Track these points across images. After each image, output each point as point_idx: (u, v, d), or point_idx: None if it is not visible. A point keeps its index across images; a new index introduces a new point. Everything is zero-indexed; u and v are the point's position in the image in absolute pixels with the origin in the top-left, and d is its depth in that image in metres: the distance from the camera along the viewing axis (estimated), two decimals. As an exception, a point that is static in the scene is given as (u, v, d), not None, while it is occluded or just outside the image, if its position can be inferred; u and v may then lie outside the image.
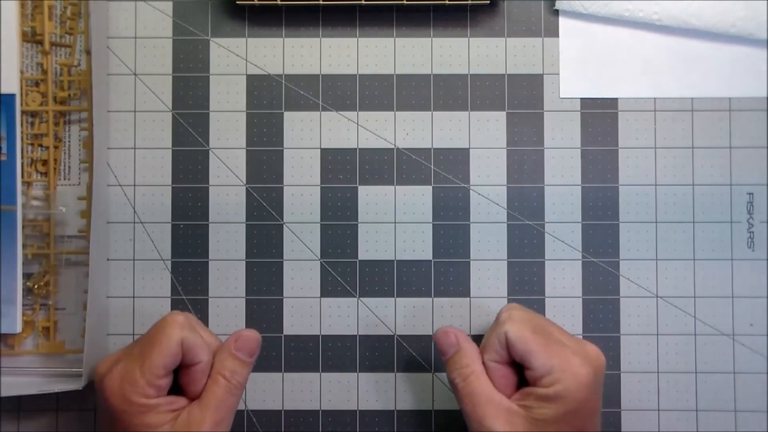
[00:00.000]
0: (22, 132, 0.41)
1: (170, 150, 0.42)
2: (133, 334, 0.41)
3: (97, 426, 0.41)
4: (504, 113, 0.42)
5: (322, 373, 0.41)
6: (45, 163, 0.41)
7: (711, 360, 0.41)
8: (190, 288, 0.41)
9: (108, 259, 0.42)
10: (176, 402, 0.35)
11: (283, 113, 0.42)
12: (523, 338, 0.35)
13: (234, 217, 0.42)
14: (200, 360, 0.35)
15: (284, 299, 0.41)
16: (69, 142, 0.42)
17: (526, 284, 0.41)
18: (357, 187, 0.42)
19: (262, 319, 0.41)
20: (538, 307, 0.41)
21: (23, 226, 0.40)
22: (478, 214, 0.41)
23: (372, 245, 0.42)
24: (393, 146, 0.42)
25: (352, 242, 0.42)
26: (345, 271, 0.42)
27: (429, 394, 0.41)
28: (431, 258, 0.42)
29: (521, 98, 0.42)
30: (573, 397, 0.33)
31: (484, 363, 0.36)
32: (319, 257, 0.42)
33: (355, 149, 0.42)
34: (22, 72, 0.41)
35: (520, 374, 0.35)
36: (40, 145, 0.41)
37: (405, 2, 0.41)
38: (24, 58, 0.41)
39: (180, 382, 0.35)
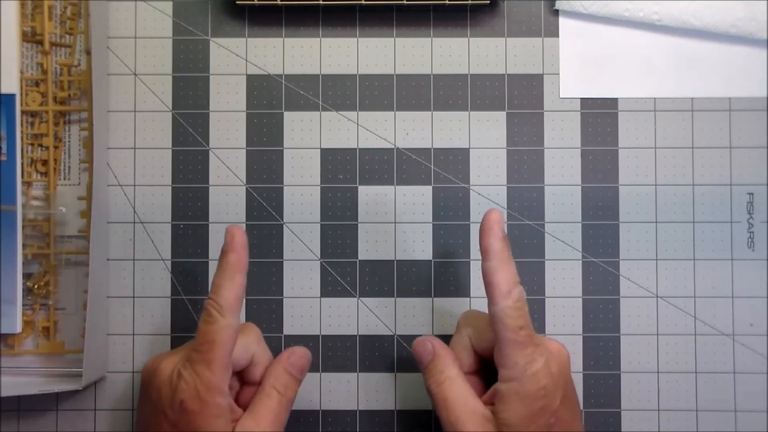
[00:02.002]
0: (22, 132, 0.41)
1: (170, 150, 0.42)
2: (133, 334, 0.41)
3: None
4: (504, 113, 0.42)
5: (322, 373, 0.41)
6: (45, 163, 0.41)
7: (711, 360, 0.41)
8: (190, 288, 0.41)
9: (108, 259, 0.42)
10: (236, 411, 0.35)
11: (283, 113, 0.42)
12: (486, 338, 0.35)
13: (234, 217, 0.42)
14: (256, 377, 0.36)
15: (284, 299, 0.41)
16: (69, 142, 0.42)
17: (526, 284, 0.41)
18: (357, 187, 0.42)
19: (262, 319, 0.41)
20: (539, 307, 0.41)
21: (23, 226, 0.40)
22: (478, 214, 0.42)
23: (372, 245, 0.42)
24: (393, 146, 0.42)
25: (352, 242, 0.42)
26: (345, 271, 0.42)
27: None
28: (431, 258, 0.42)
29: (521, 98, 0.42)
30: (526, 402, 0.33)
31: (460, 359, 0.36)
32: (319, 257, 0.42)
33: (355, 149, 0.42)
34: (22, 72, 0.41)
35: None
36: (40, 145, 0.41)
37: (405, 2, 0.41)
38: (24, 58, 0.41)
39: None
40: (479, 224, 0.42)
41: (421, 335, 0.41)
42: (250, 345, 0.37)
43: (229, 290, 0.35)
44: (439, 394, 0.35)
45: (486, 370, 0.37)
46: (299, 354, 0.37)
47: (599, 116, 0.42)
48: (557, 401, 0.34)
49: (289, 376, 0.36)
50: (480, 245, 0.35)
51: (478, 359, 0.37)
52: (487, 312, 0.35)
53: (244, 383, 0.37)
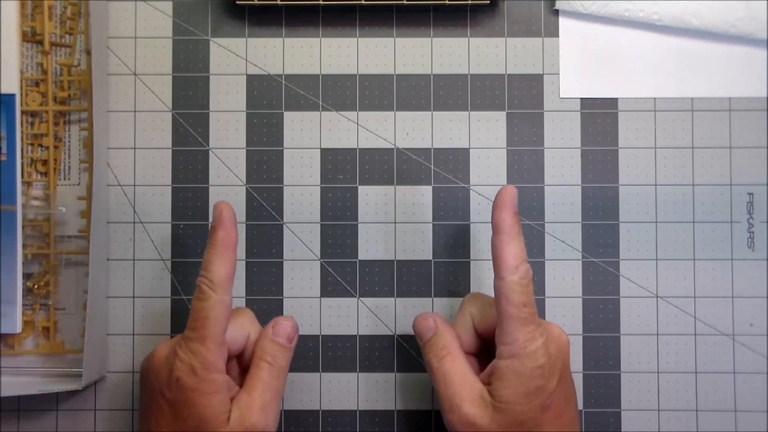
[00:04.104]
0: (22, 132, 0.41)
1: (170, 150, 0.42)
2: (133, 334, 0.41)
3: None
4: (504, 113, 0.42)
5: (322, 373, 0.41)
6: (45, 163, 0.41)
7: (711, 360, 0.41)
8: (190, 288, 0.41)
9: (108, 259, 0.42)
10: (234, 389, 0.36)
11: (283, 113, 0.42)
12: (489, 316, 0.35)
13: (234, 217, 0.42)
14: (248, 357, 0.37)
15: (284, 299, 0.41)
16: (69, 142, 0.42)
17: (526, 284, 0.41)
18: (357, 187, 0.42)
19: (262, 319, 0.41)
20: (539, 307, 0.41)
21: (23, 226, 0.40)
22: (478, 214, 0.42)
23: (372, 245, 0.42)
24: (393, 146, 0.42)
25: (352, 242, 0.42)
26: (345, 271, 0.42)
27: (429, 394, 0.41)
28: (431, 258, 0.42)
29: (521, 98, 0.42)
30: (522, 380, 0.33)
31: (460, 336, 0.36)
32: (319, 257, 0.42)
33: (355, 149, 0.42)
34: (22, 72, 0.41)
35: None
36: (40, 145, 0.41)
37: (405, 2, 0.41)
38: (24, 58, 0.41)
39: None
40: (479, 223, 0.42)
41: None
42: (245, 325, 0.37)
43: (220, 266, 0.35)
44: (439, 368, 0.35)
45: (485, 354, 0.37)
46: (283, 323, 0.37)
47: (599, 116, 0.42)
48: (553, 383, 0.34)
49: (276, 345, 0.36)
50: (492, 219, 0.35)
51: (478, 340, 0.37)
52: (493, 294, 0.35)
53: (244, 369, 0.37)
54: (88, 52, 0.41)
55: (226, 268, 0.35)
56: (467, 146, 0.42)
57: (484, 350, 0.37)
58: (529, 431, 0.34)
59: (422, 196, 0.42)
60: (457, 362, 0.35)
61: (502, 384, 0.34)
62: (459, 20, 0.42)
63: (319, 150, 0.42)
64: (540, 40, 0.42)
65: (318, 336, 0.41)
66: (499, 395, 0.34)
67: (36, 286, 0.41)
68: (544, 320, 0.36)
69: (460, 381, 0.35)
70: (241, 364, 0.37)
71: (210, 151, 0.42)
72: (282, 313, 0.41)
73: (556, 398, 0.34)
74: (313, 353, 0.41)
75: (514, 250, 0.35)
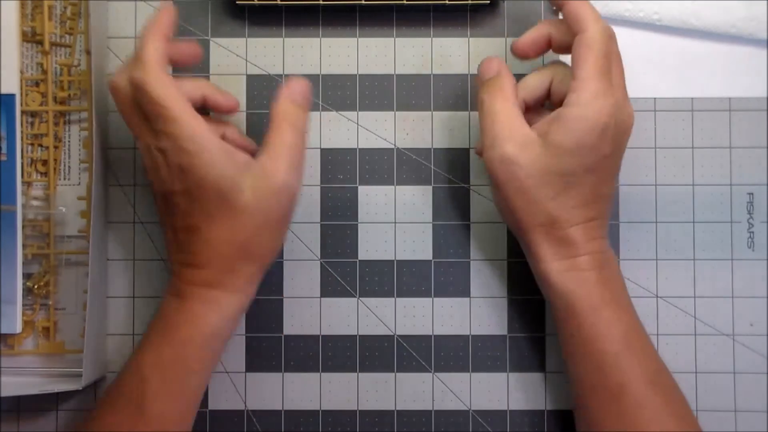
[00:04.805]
0: (22, 132, 0.41)
1: (170, 150, 0.42)
2: (133, 334, 0.41)
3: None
4: (504, 113, 0.42)
5: (322, 373, 0.41)
6: (45, 163, 0.41)
7: (711, 360, 0.41)
8: (190, 288, 0.41)
9: (108, 259, 0.42)
10: (238, 153, 0.35)
11: (283, 113, 0.42)
12: (567, 81, 0.35)
13: (234, 217, 0.41)
14: (217, 101, 0.37)
15: (284, 299, 0.41)
16: (69, 142, 0.42)
17: (527, 284, 0.41)
18: (357, 187, 0.42)
19: (262, 319, 0.41)
20: (540, 307, 0.41)
21: (23, 226, 0.40)
22: (479, 214, 0.41)
23: (372, 245, 0.42)
24: (393, 146, 0.42)
25: (352, 242, 0.42)
26: (345, 271, 0.42)
27: (429, 394, 0.41)
28: (431, 258, 0.41)
29: (521, 98, 0.42)
30: (583, 129, 0.34)
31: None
32: (319, 257, 0.42)
33: (355, 149, 0.42)
34: (22, 72, 0.41)
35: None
36: (40, 145, 0.41)
37: (405, 2, 0.41)
38: (24, 58, 0.41)
39: None
40: (479, 224, 0.42)
41: (421, 335, 0.41)
42: (182, 80, 0.36)
43: (150, 48, 0.34)
44: (491, 105, 0.36)
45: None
46: (298, 82, 0.36)
47: (599, 116, 0.42)
48: (607, 150, 0.34)
49: (295, 107, 0.36)
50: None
51: (538, 105, 0.38)
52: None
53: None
54: (88, 52, 0.41)
55: (159, 48, 0.34)
56: (467, 146, 0.42)
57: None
58: (567, 182, 0.34)
59: (422, 196, 0.42)
60: (509, 105, 0.35)
61: (561, 130, 0.34)
62: (459, 20, 0.42)
63: (319, 150, 0.42)
64: (540, 40, 0.42)
65: (318, 336, 0.41)
66: (553, 140, 0.34)
67: (36, 286, 0.41)
68: (626, 93, 0.36)
69: (507, 121, 0.35)
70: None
71: (210, 151, 0.42)
72: (282, 314, 0.41)
73: (602, 166, 0.35)
74: (313, 353, 0.41)
75: (591, 8, 0.35)
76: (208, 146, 0.33)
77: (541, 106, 0.38)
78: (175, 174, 0.34)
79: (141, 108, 0.34)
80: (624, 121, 0.35)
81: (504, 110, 0.35)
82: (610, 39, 0.35)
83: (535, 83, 0.37)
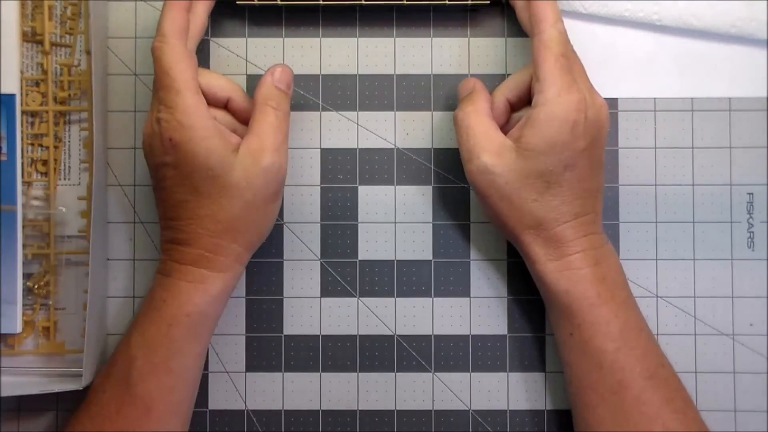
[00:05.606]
0: (22, 132, 0.41)
1: (170, 150, 0.42)
2: (133, 334, 0.41)
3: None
4: (504, 113, 0.42)
5: (322, 373, 0.41)
6: (45, 163, 0.41)
7: (711, 360, 0.41)
8: (190, 288, 0.41)
9: (108, 259, 0.42)
10: (232, 135, 0.37)
11: (283, 113, 0.42)
12: (525, 83, 0.37)
13: (234, 217, 0.41)
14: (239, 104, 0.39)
15: (284, 299, 0.41)
16: (69, 142, 0.42)
17: (527, 284, 0.41)
18: (357, 187, 0.42)
19: (262, 319, 0.41)
20: (540, 307, 0.41)
21: (23, 226, 0.40)
22: (478, 214, 0.41)
23: (372, 245, 0.42)
24: (393, 146, 0.42)
25: (352, 242, 0.42)
26: (345, 271, 0.42)
27: (429, 394, 0.41)
28: (431, 258, 0.41)
29: (521, 98, 0.42)
30: (553, 127, 0.34)
31: (493, 102, 0.38)
32: (319, 257, 0.42)
33: (355, 149, 0.42)
34: (22, 72, 0.41)
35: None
36: (40, 145, 0.41)
37: (405, 2, 0.40)
38: (24, 58, 0.41)
39: None
40: (479, 224, 0.42)
41: (421, 335, 0.41)
42: (217, 76, 0.38)
43: (168, 19, 0.36)
44: (464, 121, 0.37)
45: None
46: (281, 70, 0.38)
47: (599, 116, 0.42)
48: (581, 145, 0.35)
49: (278, 92, 0.37)
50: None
51: (509, 112, 0.39)
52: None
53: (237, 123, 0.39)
54: (88, 52, 0.41)
55: (174, 18, 0.36)
56: (467, 146, 0.42)
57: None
58: (547, 182, 0.35)
59: (422, 196, 0.42)
60: (482, 119, 0.37)
61: (532, 131, 0.35)
62: (459, 20, 0.42)
63: (319, 150, 0.42)
64: (540, 40, 0.42)
65: (318, 336, 0.41)
66: (527, 142, 0.35)
67: (36, 286, 0.41)
68: (593, 88, 0.36)
69: (482, 133, 0.36)
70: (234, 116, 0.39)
71: (210, 151, 0.42)
72: (282, 314, 0.41)
73: (581, 162, 0.35)
74: (313, 353, 0.41)
75: (552, 6, 0.36)
76: (201, 123, 0.35)
77: (527, 105, 0.38)
78: (166, 146, 0.35)
79: (154, 74, 0.36)
80: (595, 113, 0.35)
81: (477, 123, 0.37)
82: (567, 40, 0.36)
83: (516, 82, 0.38)
